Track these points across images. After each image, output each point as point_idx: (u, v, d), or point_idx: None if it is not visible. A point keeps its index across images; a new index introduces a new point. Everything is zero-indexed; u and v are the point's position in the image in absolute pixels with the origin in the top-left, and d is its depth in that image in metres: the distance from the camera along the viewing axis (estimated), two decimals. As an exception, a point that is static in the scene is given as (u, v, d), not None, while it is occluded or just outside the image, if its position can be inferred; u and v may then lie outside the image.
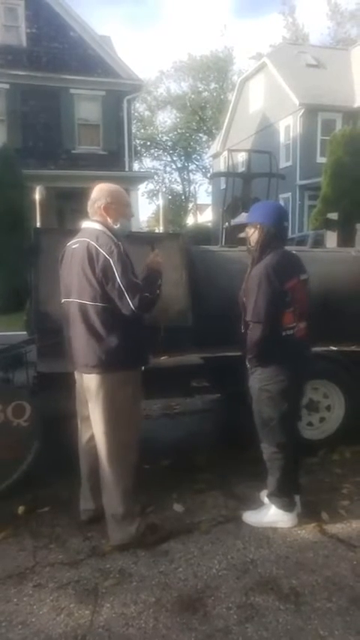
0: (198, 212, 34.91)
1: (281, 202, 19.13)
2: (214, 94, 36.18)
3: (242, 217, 3.88)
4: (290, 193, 18.73)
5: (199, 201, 37.49)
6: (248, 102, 22.44)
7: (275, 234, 2.68)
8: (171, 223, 30.61)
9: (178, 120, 37.01)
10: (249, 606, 2.10)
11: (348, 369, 3.71)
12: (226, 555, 2.45)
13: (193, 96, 36.23)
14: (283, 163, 19.03)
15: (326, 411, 3.74)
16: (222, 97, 34.79)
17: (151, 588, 2.23)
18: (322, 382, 3.72)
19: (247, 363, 2.74)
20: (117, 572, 2.35)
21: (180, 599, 2.15)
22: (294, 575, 2.30)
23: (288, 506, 2.70)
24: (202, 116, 36.00)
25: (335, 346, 3.67)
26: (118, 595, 2.19)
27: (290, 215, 19.10)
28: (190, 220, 35.03)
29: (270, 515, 2.71)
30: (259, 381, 2.67)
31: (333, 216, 5.00)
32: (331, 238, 4.63)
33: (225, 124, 24.88)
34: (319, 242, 6.77)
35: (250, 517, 2.75)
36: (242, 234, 3.00)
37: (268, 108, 20.57)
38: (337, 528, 2.67)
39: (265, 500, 2.81)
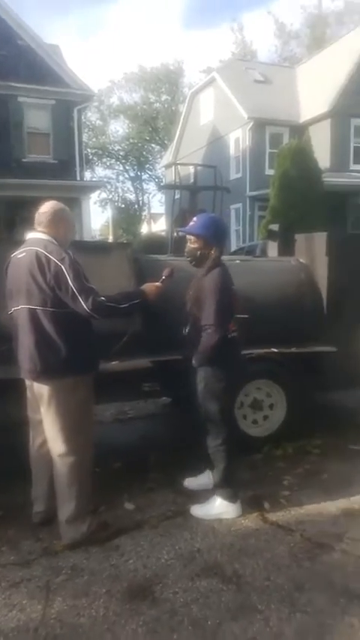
0: (152, 221, 35.13)
1: (232, 212, 19.68)
2: (166, 106, 36.75)
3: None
4: (241, 204, 19.27)
5: (152, 210, 37.76)
6: (199, 114, 22.95)
7: (219, 246, 2.95)
8: (125, 232, 30.71)
9: (130, 130, 37.29)
10: (194, 589, 2.25)
11: (289, 369, 3.96)
12: (174, 546, 2.60)
13: (145, 106, 36.63)
14: (234, 175, 19.58)
15: (269, 410, 3.96)
16: (173, 108, 35.39)
17: (102, 581, 2.34)
18: (265, 382, 3.95)
19: (193, 363, 2.91)
20: (69, 568, 2.44)
21: (130, 589, 2.27)
22: (237, 560, 2.47)
23: (232, 497, 2.88)
24: (154, 127, 36.43)
25: (276, 348, 3.90)
26: (70, 589, 2.29)
27: (241, 225, 19.67)
28: (144, 229, 35.20)
29: (216, 507, 2.88)
30: (205, 379, 2.86)
31: (274, 227, 5.30)
32: (273, 248, 4.90)
33: (176, 135, 25.31)
34: (266, 251, 7.09)
35: (197, 510, 2.91)
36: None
37: (218, 121, 21.13)
38: (277, 516, 2.88)
39: (191, 485, 3.09)
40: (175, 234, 4.61)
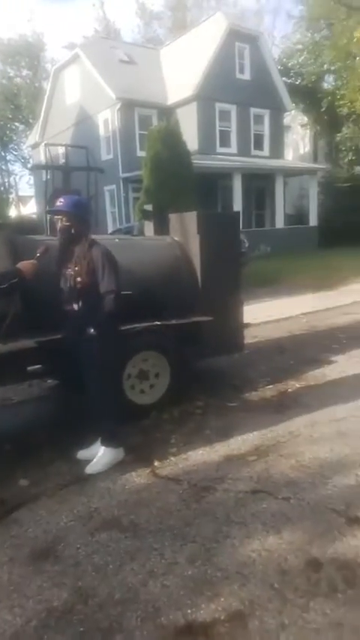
0: (20, 204, 33.32)
1: (106, 194, 19.60)
2: (28, 82, 34.79)
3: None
4: (114, 185, 19.25)
5: (21, 193, 35.79)
6: (64, 92, 22.21)
7: (90, 223, 3.19)
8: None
9: (-11, 107, 34.67)
10: (95, 543, 2.43)
11: (171, 339, 4.25)
12: (72, 510, 2.74)
13: (4, 81, 34.27)
14: (105, 156, 19.44)
15: (155, 378, 4.22)
16: (36, 85, 33.66)
17: (3, 551, 2.40)
18: (150, 353, 4.20)
19: (91, 331, 3.09)
20: (-32, 547, 2.45)
21: (32, 553, 2.38)
22: (132, 512, 2.69)
23: (116, 443, 3.26)
24: (16, 104, 34.29)
25: (158, 321, 4.15)
26: (-29, 565, 2.32)
27: (116, 207, 19.68)
28: (12, 212, 33.29)
29: (105, 456, 3.20)
30: (98, 343, 3.08)
31: (148, 207, 5.53)
32: (149, 227, 5.13)
33: (42, 113, 24.23)
34: (143, 231, 7.32)
35: (92, 468, 3.16)
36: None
37: (86, 100, 20.68)
38: (166, 470, 3.15)
39: (84, 456, 3.31)
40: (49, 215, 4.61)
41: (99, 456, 3.22)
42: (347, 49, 17.70)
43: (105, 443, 3.26)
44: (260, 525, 2.51)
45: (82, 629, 1.92)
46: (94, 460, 3.21)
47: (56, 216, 3.18)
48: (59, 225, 3.15)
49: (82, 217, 3.16)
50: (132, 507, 2.73)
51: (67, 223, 3.10)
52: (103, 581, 2.16)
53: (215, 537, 2.43)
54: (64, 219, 3.11)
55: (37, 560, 2.31)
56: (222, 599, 2.03)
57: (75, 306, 3.19)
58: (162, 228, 4.96)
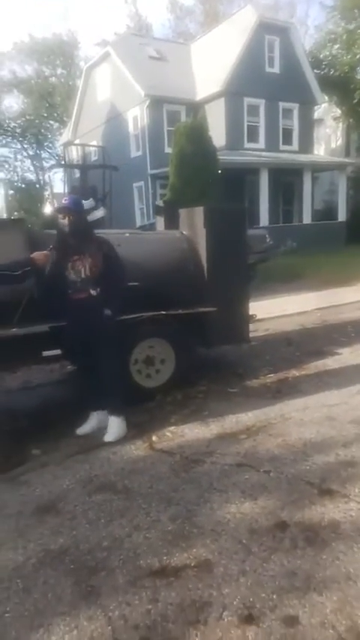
0: (55, 200, 34.22)
1: (135, 191, 20.00)
2: (62, 80, 35.56)
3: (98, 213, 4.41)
4: (143, 182, 19.61)
5: (55, 190, 36.71)
6: (96, 90, 22.70)
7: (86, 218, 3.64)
8: (25, 212, 29.79)
9: (25, 105, 35.67)
10: (91, 502, 2.77)
11: (176, 328, 4.54)
12: (75, 475, 3.09)
13: (39, 80, 35.14)
14: (134, 153, 19.82)
15: (161, 364, 4.53)
16: (70, 83, 34.36)
17: (12, 506, 2.78)
18: (156, 341, 4.50)
19: (107, 313, 3.55)
20: (-20, 502, 2.84)
21: (37, 507, 2.75)
22: (127, 478, 3.02)
23: (122, 414, 3.66)
24: (51, 102, 35.16)
25: (165, 310, 4.45)
26: (-16, 516, 2.70)
27: (144, 203, 20.05)
28: (47, 209, 34.19)
29: (115, 427, 3.62)
30: (109, 321, 3.53)
31: (159, 203, 5.82)
32: (160, 222, 5.43)
33: (74, 112, 24.82)
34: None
35: (108, 437, 3.57)
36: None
37: (116, 97, 21.09)
38: (163, 445, 3.47)
39: (83, 432, 3.73)
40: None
41: (110, 426, 3.62)
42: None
43: (114, 413, 3.65)
44: (239, 493, 2.78)
45: (72, 566, 2.26)
46: (108, 431, 3.60)
47: (61, 214, 3.55)
48: (65, 220, 3.51)
49: (83, 215, 3.57)
50: (127, 474, 3.06)
51: (72, 219, 3.48)
52: (94, 532, 2.49)
53: (197, 501, 2.72)
54: (70, 216, 3.48)
55: (40, 514, 2.67)
56: (194, 550, 2.33)
57: (93, 292, 3.55)
58: (172, 222, 5.24)
